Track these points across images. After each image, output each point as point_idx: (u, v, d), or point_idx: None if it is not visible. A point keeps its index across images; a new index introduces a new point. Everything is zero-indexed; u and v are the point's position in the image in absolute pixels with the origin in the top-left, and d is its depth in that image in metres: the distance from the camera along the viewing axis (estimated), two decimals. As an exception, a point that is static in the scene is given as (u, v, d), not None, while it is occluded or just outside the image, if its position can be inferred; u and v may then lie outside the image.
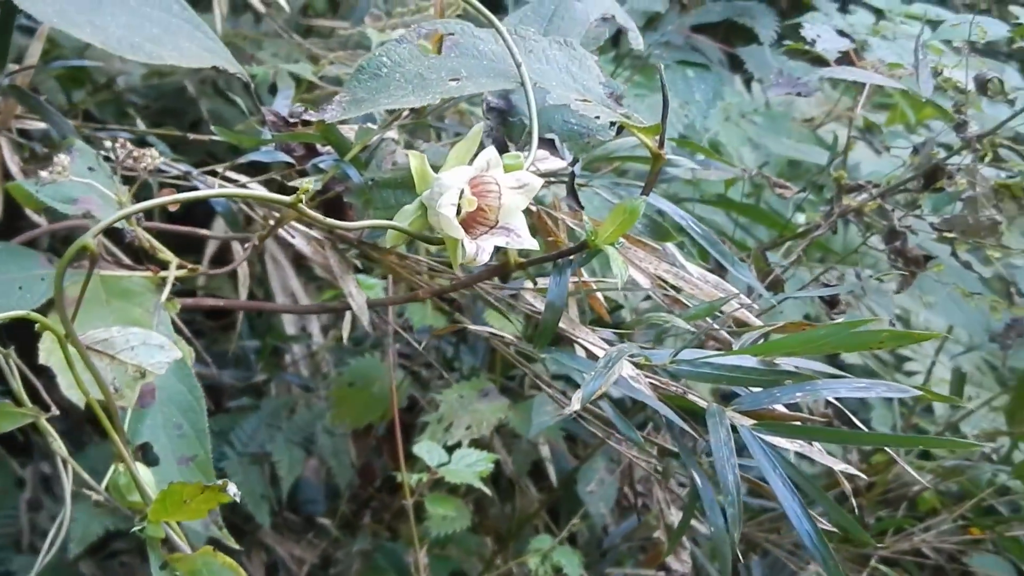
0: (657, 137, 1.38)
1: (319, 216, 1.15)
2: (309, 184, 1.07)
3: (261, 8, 2.45)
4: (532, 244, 1.21)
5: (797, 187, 2.35)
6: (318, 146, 1.60)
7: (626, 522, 2.45)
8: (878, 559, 2.45)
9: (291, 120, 1.58)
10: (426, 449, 2.03)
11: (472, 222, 1.21)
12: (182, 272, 1.49)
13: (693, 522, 2.05)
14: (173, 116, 3.09)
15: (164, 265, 1.49)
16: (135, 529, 1.16)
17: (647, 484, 2.00)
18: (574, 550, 2.23)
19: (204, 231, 1.89)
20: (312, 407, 2.79)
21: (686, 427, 1.47)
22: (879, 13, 3.03)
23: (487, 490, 2.07)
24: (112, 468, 1.25)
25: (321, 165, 1.55)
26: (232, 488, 1.09)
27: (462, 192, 1.17)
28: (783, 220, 2.59)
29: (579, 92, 1.40)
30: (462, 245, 1.18)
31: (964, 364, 2.94)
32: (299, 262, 2.80)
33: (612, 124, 1.45)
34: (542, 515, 2.61)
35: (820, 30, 2.12)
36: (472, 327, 1.64)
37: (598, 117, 1.37)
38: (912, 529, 2.55)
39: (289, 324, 2.91)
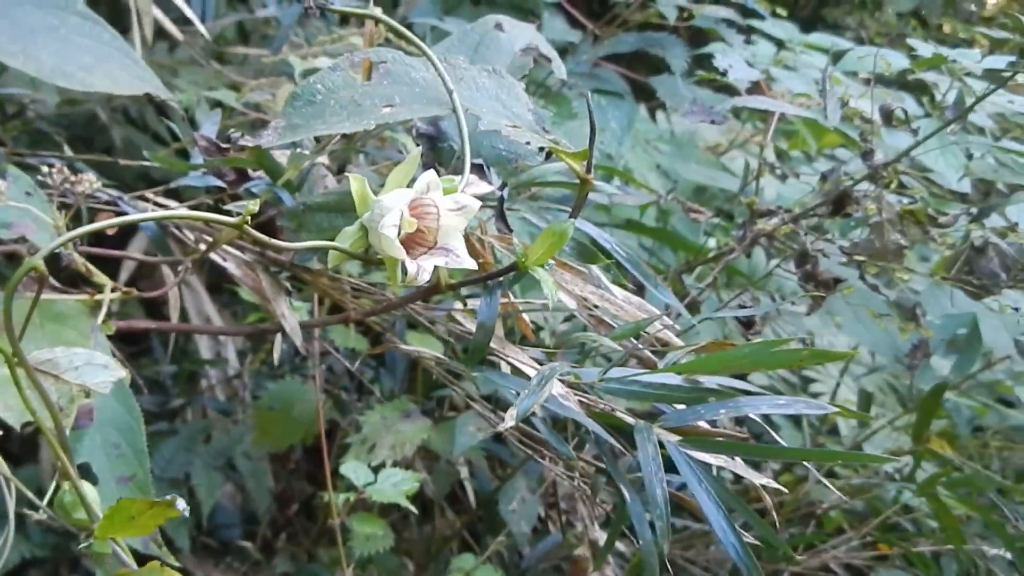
0: (584, 163, 1.41)
1: (264, 237, 1.17)
2: (254, 206, 1.08)
3: (178, 36, 2.46)
4: (471, 264, 1.24)
5: (707, 212, 2.40)
6: (249, 171, 1.61)
7: (544, 540, 2.47)
8: (790, 575, 2.51)
9: (223, 145, 1.59)
10: (352, 469, 2.04)
11: (412, 243, 1.23)
12: (116, 295, 1.50)
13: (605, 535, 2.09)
14: (84, 144, 3.08)
15: (99, 288, 1.49)
16: (81, 546, 1.17)
17: (570, 502, 2.03)
18: (496, 569, 2.25)
19: (137, 255, 1.90)
20: (230, 431, 2.79)
21: (615, 443, 1.51)
22: (780, 44, 3.11)
23: (413, 509, 2.08)
24: (54, 487, 1.26)
25: (254, 190, 1.56)
26: (181, 503, 1.10)
27: (402, 214, 1.19)
28: (694, 244, 2.64)
29: (509, 119, 1.43)
30: (403, 265, 1.20)
31: (867, 385, 3.02)
32: (213, 287, 2.81)
33: (541, 150, 1.48)
34: (463, 535, 2.63)
35: (732, 60, 2.18)
36: (404, 347, 1.66)
37: (528, 143, 1.40)
38: (822, 546, 2.61)
39: (205, 349, 2.91)
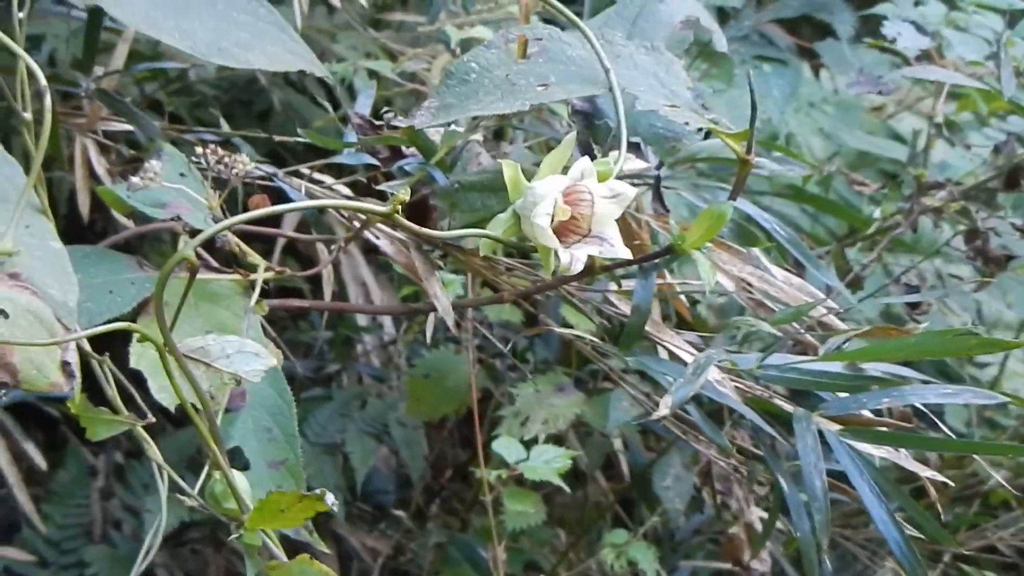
0: (745, 143, 1.37)
1: (412, 225, 1.15)
2: (404, 195, 1.07)
3: (336, 2, 2.45)
4: (626, 253, 1.21)
5: (868, 179, 2.33)
6: (403, 148, 1.60)
7: (696, 516, 2.44)
8: (952, 556, 2.44)
9: (376, 123, 1.58)
10: (505, 445, 2.03)
11: (565, 231, 1.21)
12: (269, 275, 1.50)
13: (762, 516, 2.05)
14: (243, 106, 3.11)
15: (252, 268, 1.50)
16: (232, 537, 1.17)
17: (726, 483, 2.00)
18: (649, 545, 2.23)
19: (290, 233, 1.91)
20: (384, 398, 2.80)
21: (772, 432, 1.47)
22: (951, 3, 3.00)
23: (565, 487, 2.07)
24: (204, 474, 1.27)
25: (407, 168, 1.55)
26: (330, 498, 1.10)
27: (556, 202, 1.17)
28: (858, 213, 2.57)
29: (667, 97, 1.40)
30: (556, 254, 1.18)
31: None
32: (369, 252, 2.81)
33: (699, 130, 1.45)
34: (615, 508, 2.61)
35: (900, 27, 2.11)
36: (557, 329, 1.64)
37: (687, 123, 1.36)
38: (987, 526, 2.54)
39: (361, 315, 2.92)
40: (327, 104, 2.50)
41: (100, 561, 2.59)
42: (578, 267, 1.18)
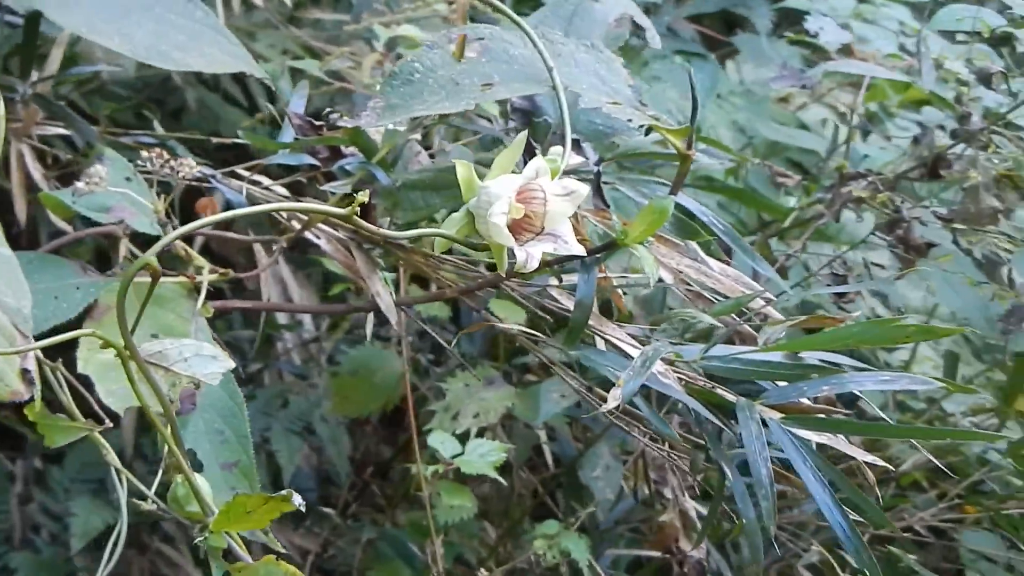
0: (686, 138, 1.39)
1: (368, 225, 1.17)
2: (364, 196, 1.08)
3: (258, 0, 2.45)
4: (580, 250, 1.23)
5: (794, 176, 2.38)
6: (342, 148, 1.61)
7: (621, 504, 2.46)
8: (870, 537, 2.49)
9: (316, 123, 1.59)
10: (439, 440, 2.05)
11: (518, 229, 1.23)
12: (214, 277, 1.50)
13: (695, 505, 2.09)
14: (157, 104, 3.08)
15: (197, 270, 1.50)
16: (197, 541, 1.18)
17: (660, 472, 2.02)
18: (580, 535, 2.25)
19: (233, 235, 1.90)
20: (307, 396, 2.80)
21: (716, 421, 1.50)
22: (860, -5, 3.06)
23: (501, 480, 2.09)
24: (160, 476, 1.27)
25: (348, 168, 1.56)
26: (297, 499, 1.11)
27: (510, 201, 1.18)
28: (775, 204, 2.61)
29: (609, 94, 1.42)
30: (512, 252, 1.20)
31: (947, 345, 2.98)
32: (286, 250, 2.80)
33: (640, 126, 1.47)
34: (543, 499, 2.63)
35: (822, 22, 2.15)
36: (500, 324, 1.65)
37: (631, 120, 1.39)
38: (903, 507, 2.60)
39: (281, 314, 2.92)
40: (244, 100, 2.49)
41: (26, 567, 2.56)
42: (533, 264, 1.20)
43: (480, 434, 2.21)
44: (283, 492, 1.11)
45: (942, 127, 2.05)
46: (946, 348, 2.74)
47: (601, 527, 2.53)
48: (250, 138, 1.62)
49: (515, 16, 1.44)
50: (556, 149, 1.39)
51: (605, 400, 1.82)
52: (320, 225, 1.61)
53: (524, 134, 1.26)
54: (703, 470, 1.89)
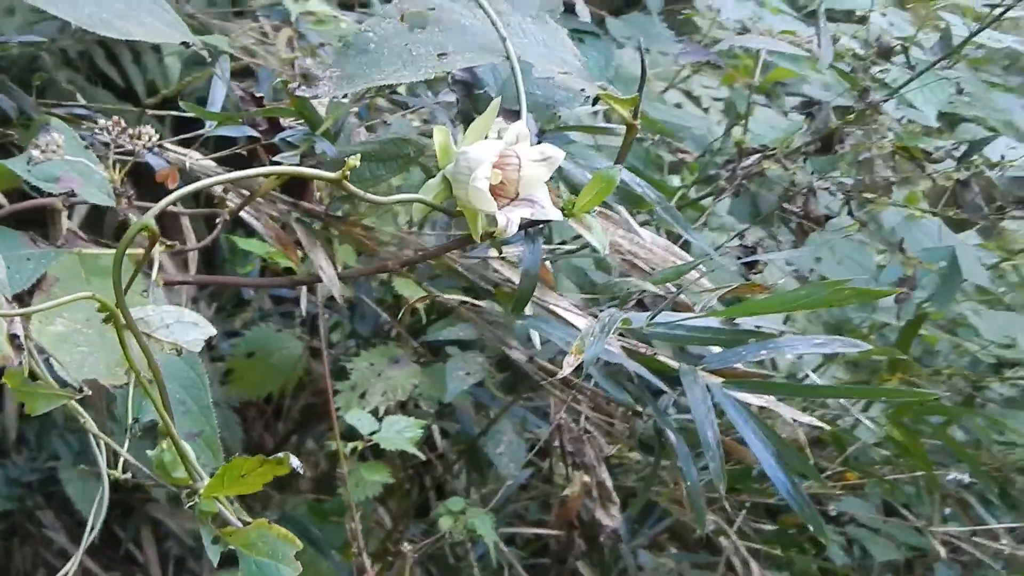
0: (632, 108, 1.43)
1: (362, 192, 1.18)
2: (355, 161, 1.09)
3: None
4: (557, 215, 1.26)
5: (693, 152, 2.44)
6: (281, 121, 1.61)
7: (520, 477, 2.49)
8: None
9: (257, 95, 1.59)
10: (356, 417, 2.05)
11: (494, 194, 1.24)
12: (163, 249, 1.49)
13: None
14: (22, 86, 3.02)
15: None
16: (188, 505, 1.18)
17: (577, 444, 2.06)
18: (486, 511, 2.28)
19: (180, 209, 1.87)
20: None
21: (662, 386, 1.54)
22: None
23: (420, 455, 2.11)
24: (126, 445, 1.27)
25: (292, 139, 1.56)
26: (295, 461, 1.12)
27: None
28: (659, 183, 2.66)
29: (558, 65, 1.44)
30: (493, 217, 1.21)
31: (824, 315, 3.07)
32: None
33: (586, 97, 1.50)
34: (441, 478, 2.65)
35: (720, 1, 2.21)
36: (445, 296, 1.67)
37: (583, 89, 1.42)
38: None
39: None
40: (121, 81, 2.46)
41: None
42: (513, 229, 1.22)
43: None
44: (279, 455, 1.12)
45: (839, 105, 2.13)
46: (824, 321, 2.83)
47: (497, 501, 2.55)
48: (193, 109, 1.60)
49: (466, -14, 1.46)
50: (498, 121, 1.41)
51: (519, 373, 1.87)
52: (257, 201, 1.60)
53: (498, 99, 1.27)
54: (630, 436, 1.94)
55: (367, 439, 2.02)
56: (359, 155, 1.09)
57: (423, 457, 2.14)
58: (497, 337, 1.88)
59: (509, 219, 1.22)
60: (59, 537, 2.71)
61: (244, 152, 1.65)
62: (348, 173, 1.10)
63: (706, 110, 2.96)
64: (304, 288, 1.82)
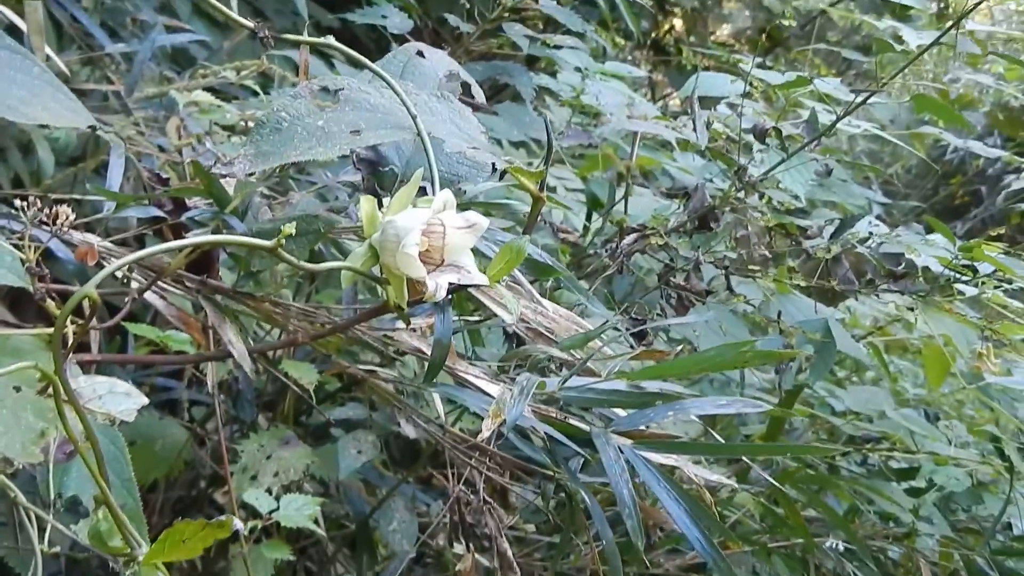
0: (538, 182, 1.47)
1: (291, 259, 1.19)
2: (290, 228, 1.11)
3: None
4: (483, 280, 1.28)
5: (575, 232, 2.49)
6: (186, 200, 1.62)
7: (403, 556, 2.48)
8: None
9: (164, 177, 1.60)
10: (254, 497, 2.04)
11: (421, 261, 1.27)
12: (74, 328, 1.48)
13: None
14: None
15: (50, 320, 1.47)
16: (128, 574, 1.17)
17: (476, 515, 2.07)
18: (382, 592, 2.27)
19: (88, 289, 1.84)
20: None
21: (576, 448, 1.57)
22: (579, 70, 3.23)
23: (321, 531, 2.10)
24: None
25: (199, 218, 1.57)
26: (237, 523, 1.12)
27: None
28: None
29: (468, 141, 1.48)
30: (424, 283, 1.24)
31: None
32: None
33: (494, 169, 1.54)
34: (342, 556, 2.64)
35: (599, 87, 2.28)
36: (356, 367, 1.69)
37: (493, 164, 1.46)
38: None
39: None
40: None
41: None
42: (441, 294, 1.24)
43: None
44: (221, 518, 1.13)
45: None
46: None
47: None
48: (100, 192, 1.60)
49: (377, 68, 1.49)
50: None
51: (412, 449, 1.88)
52: (166, 282, 1.61)
53: (421, 170, 1.31)
54: (517, 506, 1.96)
55: (267, 517, 2.01)
56: (286, 228, 1.10)
57: (322, 532, 2.13)
58: (388, 416, 1.89)
59: (438, 284, 1.25)
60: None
61: (149, 232, 1.65)
62: (283, 242, 1.12)
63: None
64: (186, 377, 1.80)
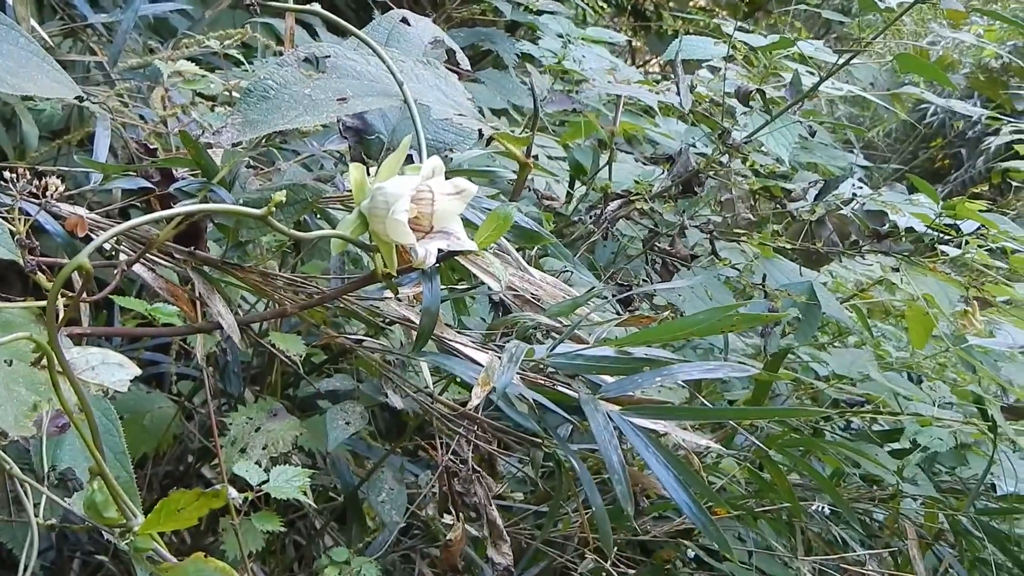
0: (525, 148, 1.48)
1: (284, 230, 1.20)
2: (280, 196, 1.11)
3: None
4: (472, 246, 1.29)
5: (560, 199, 2.50)
6: (174, 172, 1.62)
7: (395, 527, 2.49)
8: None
9: (151, 147, 1.60)
10: (244, 469, 2.04)
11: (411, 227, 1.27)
12: (63, 301, 1.48)
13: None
14: None
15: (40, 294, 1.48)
16: (123, 544, 1.17)
17: (466, 484, 2.08)
18: (372, 561, 2.28)
19: (81, 261, 1.84)
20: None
21: (565, 415, 1.58)
22: (561, 37, 3.23)
23: (311, 503, 2.10)
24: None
25: (187, 189, 1.57)
26: (232, 491, 1.13)
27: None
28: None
29: (454, 107, 1.49)
30: (413, 249, 1.25)
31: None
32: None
33: (480, 135, 1.54)
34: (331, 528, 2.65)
35: (584, 52, 2.28)
36: (345, 336, 1.69)
37: (479, 130, 1.46)
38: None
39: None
40: None
41: None
42: (431, 260, 1.25)
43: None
44: (216, 487, 1.13)
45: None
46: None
47: (375, 553, 2.55)
48: (88, 163, 1.60)
49: (362, 34, 1.49)
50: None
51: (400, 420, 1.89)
52: (155, 253, 1.61)
53: (408, 137, 1.31)
54: (505, 477, 1.97)
55: (257, 488, 2.02)
56: (277, 196, 1.11)
57: (311, 504, 2.14)
58: (375, 386, 1.90)
59: (427, 250, 1.25)
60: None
61: (136, 204, 1.66)
62: (273, 211, 1.13)
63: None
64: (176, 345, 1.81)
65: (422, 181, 1.25)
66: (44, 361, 1.13)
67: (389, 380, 1.84)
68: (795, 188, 2.21)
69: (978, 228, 2.27)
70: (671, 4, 5.33)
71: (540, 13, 3.30)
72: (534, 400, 1.58)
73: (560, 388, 1.60)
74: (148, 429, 2.45)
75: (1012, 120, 3.19)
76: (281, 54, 1.53)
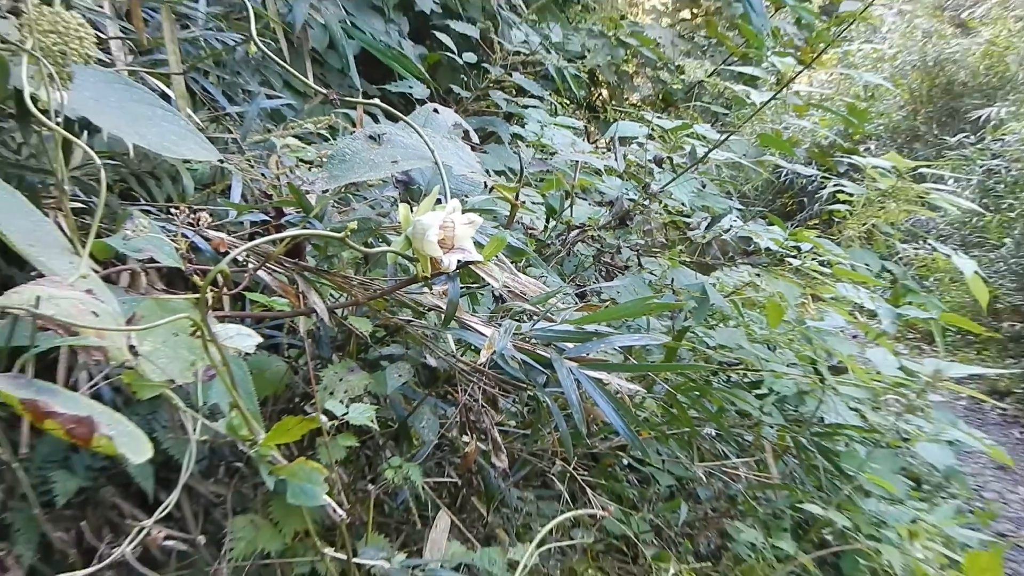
0: (515, 195, 1.47)
1: (357, 246, 1.19)
2: (354, 225, 1.12)
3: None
4: (479, 257, 1.29)
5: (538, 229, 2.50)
6: (284, 209, 1.62)
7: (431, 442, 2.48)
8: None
9: (268, 193, 1.59)
10: (332, 404, 2.04)
11: (439, 246, 1.28)
12: (211, 295, 1.48)
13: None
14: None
15: (196, 289, 1.48)
16: (252, 452, 1.18)
17: (477, 414, 2.08)
18: (416, 465, 2.27)
19: (221, 266, 1.85)
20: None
21: (542, 370, 1.58)
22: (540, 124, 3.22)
23: (376, 427, 2.10)
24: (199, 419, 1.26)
25: (293, 220, 1.57)
26: (323, 419, 1.13)
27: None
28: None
29: (468, 167, 1.49)
30: (441, 260, 1.25)
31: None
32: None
33: (485, 186, 1.55)
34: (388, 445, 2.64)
35: (554, 133, 2.28)
36: (398, 317, 1.69)
37: (485, 183, 1.46)
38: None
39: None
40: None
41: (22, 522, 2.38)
42: (453, 267, 1.25)
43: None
44: (312, 414, 1.13)
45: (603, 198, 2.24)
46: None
47: (420, 460, 2.54)
48: (227, 204, 1.61)
49: (409, 120, 1.49)
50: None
51: (435, 373, 1.88)
52: (268, 265, 1.61)
53: (437, 187, 1.31)
54: (503, 411, 1.96)
55: (340, 418, 2.02)
56: (351, 225, 1.11)
57: (377, 429, 2.13)
58: (418, 352, 1.91)
59: (450, 261, 1.26)
60: (124, 504, 2.61)
61: (260, 231, 1.65)
62: (349, 235, 1.13)
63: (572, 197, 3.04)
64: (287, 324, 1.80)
65: (447, 215, 1.25)
66: (199, 333, 1.13)
67: (427, 347, 1.83)
68: (693, 222, 2.21)
69: (811, 248, 2.27)
70: (613, 102, 5.34)
71: (526, 107, 3.31)
72: (522, 359, 1.58)
73: (539, 351, 1.60)
74: (268, 380, 2.43)
75: (835, 179, 3.20)
76: (354, 132, 1.52)
